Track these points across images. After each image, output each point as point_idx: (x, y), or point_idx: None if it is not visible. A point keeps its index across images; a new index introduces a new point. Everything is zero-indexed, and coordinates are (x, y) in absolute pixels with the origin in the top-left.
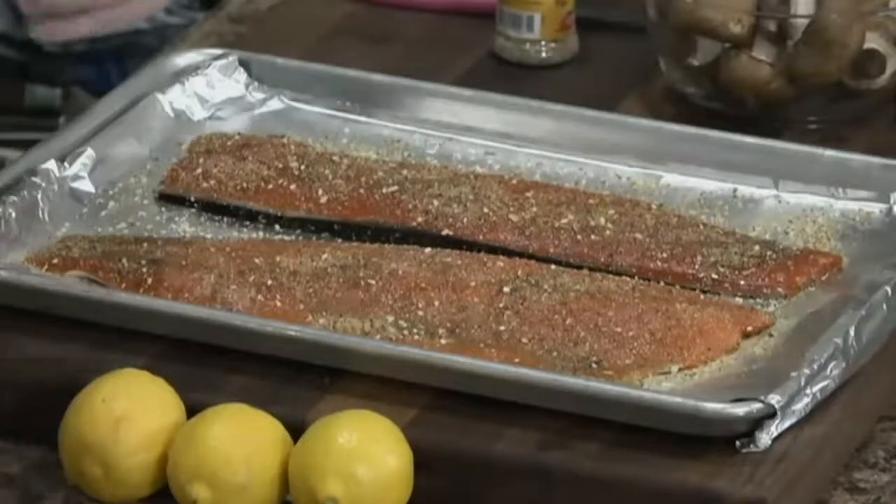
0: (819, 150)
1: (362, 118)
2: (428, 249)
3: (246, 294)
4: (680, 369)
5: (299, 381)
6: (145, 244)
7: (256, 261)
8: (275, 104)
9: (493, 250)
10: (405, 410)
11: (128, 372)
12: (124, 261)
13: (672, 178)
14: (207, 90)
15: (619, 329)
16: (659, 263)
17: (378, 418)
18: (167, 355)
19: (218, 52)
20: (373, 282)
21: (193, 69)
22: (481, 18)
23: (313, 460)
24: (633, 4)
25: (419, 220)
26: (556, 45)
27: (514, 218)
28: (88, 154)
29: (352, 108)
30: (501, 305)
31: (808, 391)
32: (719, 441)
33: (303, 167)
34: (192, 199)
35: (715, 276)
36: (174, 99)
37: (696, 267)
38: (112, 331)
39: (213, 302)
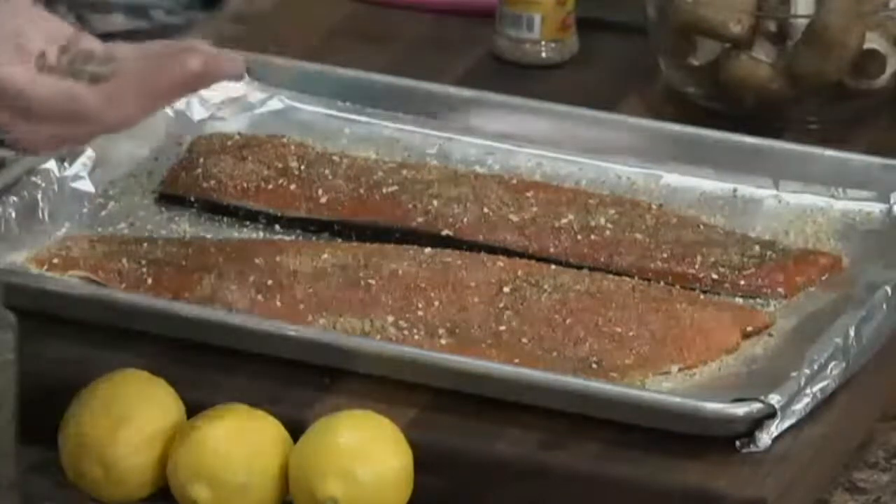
0: (819, 150)
1: (362, 118)
2: (428, 249)
3: (246, 294)
4: (680, 369)
5: (299, 381)
6: (145, 244)
7: (256, 261)
8: (275, 104)
9: (493, 250)
10: (405, 410)
11: (128, 372)
12: (124, 261)
13: (672, 178)
14: (207, 90)
15: (619, 329)
16: (659, 263)
17: (378, 418)
18: (167, 355)
19: None
20: (373, 282)
21: None
22: (481, 18)
23: (313, 460)
24: (633, 4)
25: (419, 220)
26: (556, 45)
27: (514, 218)
28: (88, 154)
29: (352, 108)
30: (501, 305)
31: (808, 391)
32: (719, 441)
33: (303, 167)
34: (192, 199)
35: (715, 276)
36: None
37: (696, 267)
38: (112, 331)
39: (212, 302)
